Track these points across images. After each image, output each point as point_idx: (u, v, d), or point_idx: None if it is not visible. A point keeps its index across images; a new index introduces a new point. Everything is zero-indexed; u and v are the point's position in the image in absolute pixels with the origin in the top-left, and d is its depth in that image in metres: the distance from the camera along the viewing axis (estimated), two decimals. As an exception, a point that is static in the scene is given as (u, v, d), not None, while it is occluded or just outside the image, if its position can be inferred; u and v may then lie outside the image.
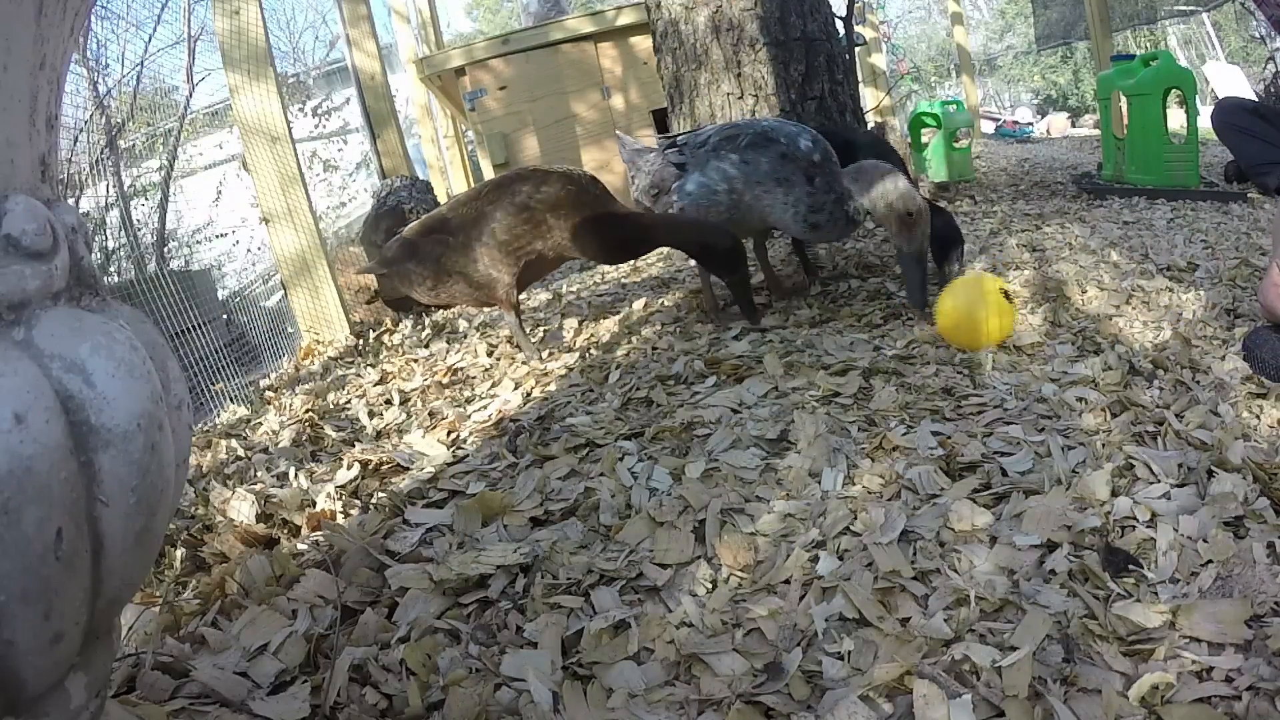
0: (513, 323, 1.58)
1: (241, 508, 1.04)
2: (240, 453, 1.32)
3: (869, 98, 6.71)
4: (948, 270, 1.58)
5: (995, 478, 0.89)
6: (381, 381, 1.64)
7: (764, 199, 1.52)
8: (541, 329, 1.83)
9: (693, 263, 2.34)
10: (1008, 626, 0.66)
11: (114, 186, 3.10)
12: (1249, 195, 2.51)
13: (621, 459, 1.03)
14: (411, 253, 1.57)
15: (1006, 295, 1.28)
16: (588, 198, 1.51)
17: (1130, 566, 0.72)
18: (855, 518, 0.84)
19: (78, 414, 0.37)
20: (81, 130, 2.68)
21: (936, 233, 1.52)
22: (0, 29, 0.39)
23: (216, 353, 1.89)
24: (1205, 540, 0.74)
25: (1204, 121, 3.07)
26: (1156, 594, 0.69)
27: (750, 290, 1.55)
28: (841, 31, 2.78)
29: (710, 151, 1.57)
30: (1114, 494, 0.83)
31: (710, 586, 0.77)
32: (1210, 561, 0.71)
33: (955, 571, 0.74)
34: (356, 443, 1.29)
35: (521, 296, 2.34)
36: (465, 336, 1.91)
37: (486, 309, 1.97)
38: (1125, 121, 2.95)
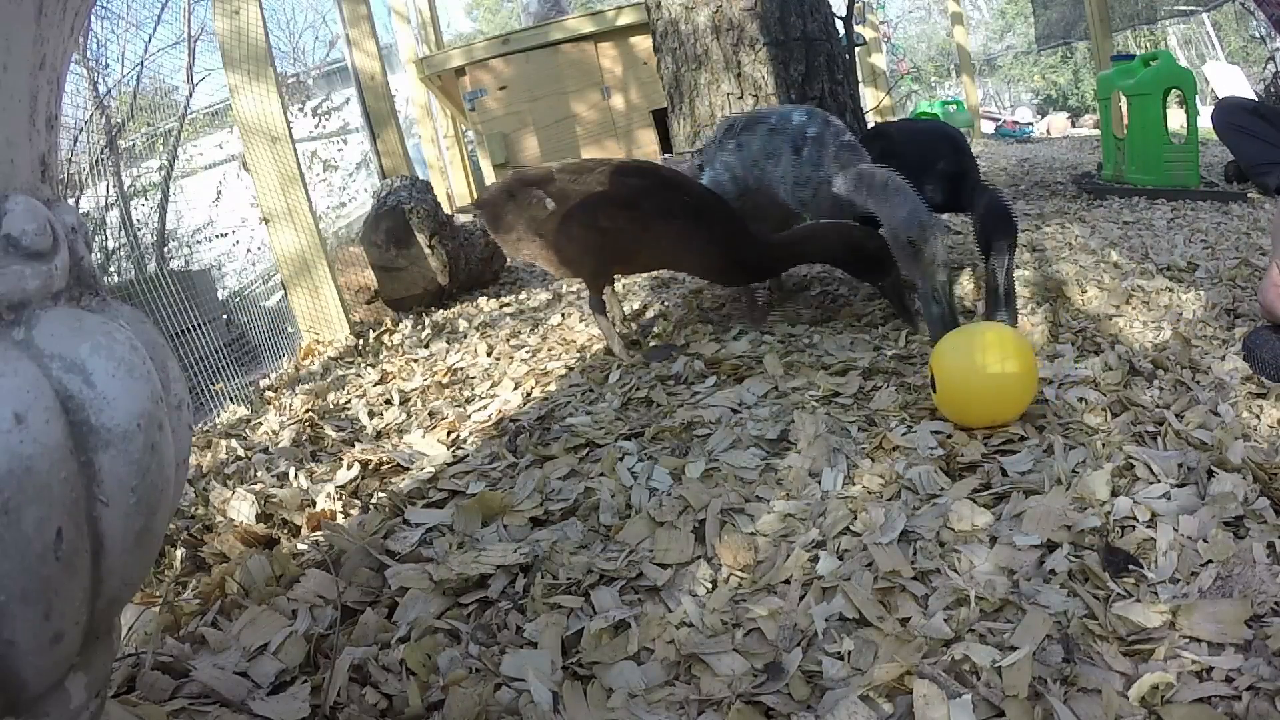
0: (594, 303, 1.50)
1: (241, 508, 1.04)
2: (240, 453, 1.32)
3: (869, 98, 6.72)
4: (994, 264, 1.34)
5: (995, 478, 0.89)
6: (381, 381, 1.64)
7: (763, 177, 1.52)
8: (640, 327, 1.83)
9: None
10: (1008, 626, 0.66)
11: (114, 186, 3.10)
12: (1249, 195, 2.51)
13: (621, 459, 1.03)
14: (509, 199, 1.51)
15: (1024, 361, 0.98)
16: (704, 211, 1.44)
17: (1130, 566, 0.72)
18: (855, 518, 0.84)
19: (78, 414, 0.37)
20: (81, 130, 2.68)
21: (981, 216, 1.38)
22: (0, 29, 0.39)
23: (216, 353, 1.89)
24: (1205, 540, 0.74)
25: (1204, 121, 3.07)
26: (1156, 594, 0.69)
27: (904, 293, 1.44)
28: (841, 31, 2.78)
29: (716, 145, 1.59)
30: (1114, 494, 0.83)
31: (710, 586, 0.77)
32: (1210, 561, 0.71)
33: (955, 571, 0.74)
34: (356, 443, 1.29)
35: (522, 296, 2.34)
36: (465, 336, 1.91)
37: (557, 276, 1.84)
38: (1125, 121, 2.95)
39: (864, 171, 1.37)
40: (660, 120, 3.82)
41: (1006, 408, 1.00)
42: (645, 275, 2.29)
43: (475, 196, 5.92)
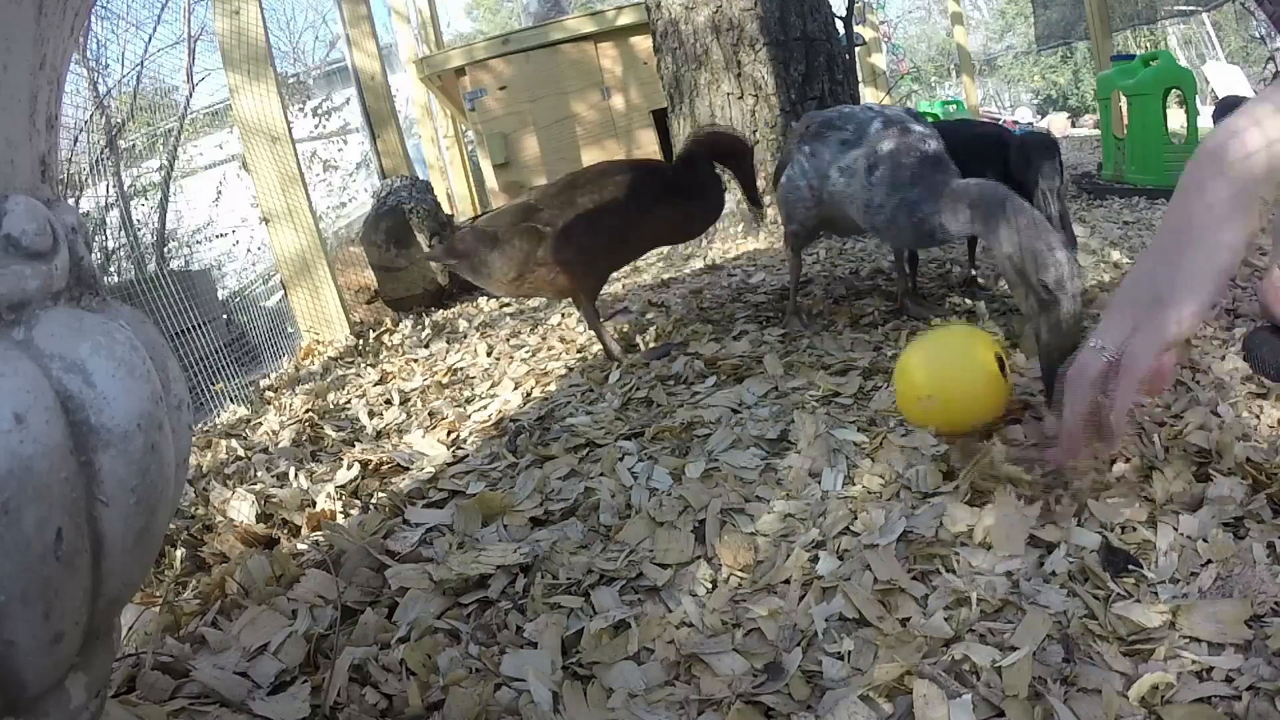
0: (590, 311, 1.53)
1: (241, 508, 1.04)
2: (240, 453, 1.32)
3: (869, 98, 6.72)
4: (1043, 188, 1.22)
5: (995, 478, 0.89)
6: (381, 381, 1.64)
7: (836, 194, 1.34)
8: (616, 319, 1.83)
9: (698, 265, 2.34)
10: (1008, 626, 0.66)
11: (114, 186, 3.10)
12: (1249, 195, 2.51)
13: (621, 459, 1.03)
14: (493, 243, 1.52)
15: (1001, 363, 0.94)
16: (674, 184, 1.54)
17: (1130, 566, 0.72)
18: (855, 518, 0.84)
19: (78, 414, 0.37)
20: (81, 130, 2.68)
21: (1018, 147, 1.27)
22: (0, 29, 0.39)
23: (216, 353, 1.89)
24: (1205, 540, 0.74)
25: (1204, 121, 3.08)
26: (1156, 594, 0.69)
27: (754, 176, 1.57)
28: (841, 31, 2.78)
29: (796, 142, 1.43)
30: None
31: (710, 586, 0.77)
32: (1210, 561, 0.71)
33: (955, 572, 0.74)
34: (356, 443, 1.29)
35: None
36: (465, 336, 1.91)
37: (560, 299, 1.87)
38: (1125, 121, 2.95)
39: (957, 191, 1.14)
40: (660, 120, 3.82)
41: (970, 413, 0.96)
42: (645, 278, 2.29)
43: (475, 198, 5.93)
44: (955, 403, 0.95)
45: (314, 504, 1.04)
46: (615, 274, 2.37)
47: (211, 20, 2.08)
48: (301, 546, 0.93)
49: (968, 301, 1.55)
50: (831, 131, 1.32)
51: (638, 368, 1.39)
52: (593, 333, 1.57)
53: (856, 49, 3.63)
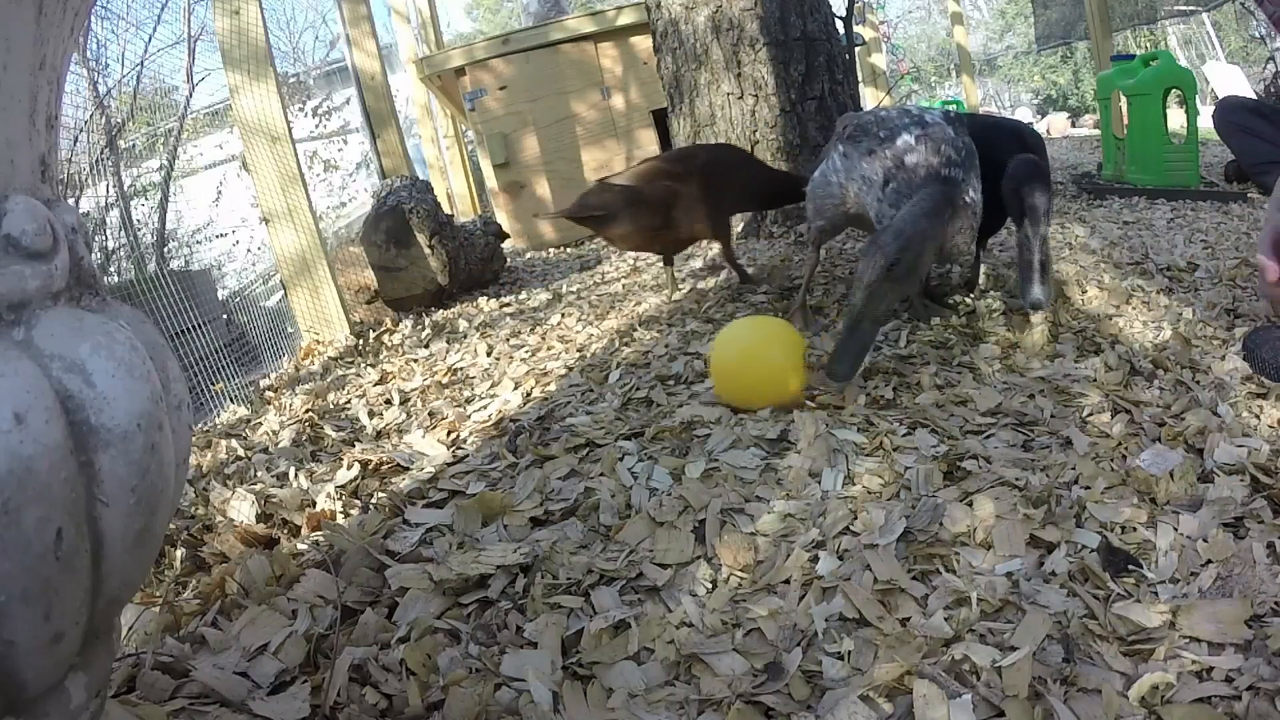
0: (729, 254, 1.88)
1: (241, 508, 1.04)
2: (240, 453, 1.32)
3: (869, 98, 6.72)
4: (1026, 231, 1.19)
5: (995, 478, 0.89)
6: (381, 381, 1.64)
7: (858, 198, 1.34)
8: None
9: (697, 264, 2.35)
10: (1008, 626, 0.66)
11: (114, 186, 3.10)
12: (1249, 195, 2.51)
13: (621, 459, 1.03)
14: (634, 199, 1.74)
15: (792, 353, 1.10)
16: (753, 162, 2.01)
17: (1130, 566, 0.72)
18: (855, 518, 0.84)
19: (78, 414, 0.37)
20: (81, 130, 2.68)
21: (1009, 176, 1.22)
22: (0, 29, 0.39)
23: (216, 353, 1.89)
24: (1205, 540, 0.74)
25: (1204, 121, 3.07)
26: (1156, 594, 0.69)
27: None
28: (841, 31, 2.78)
29: (834, 140, 1.43)
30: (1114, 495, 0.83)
31: (710, 586, 0.77)
32: (1210, 561, 0.71)
33: (955, 572, 0.74)
34: (356, 443, 1.29)
35: (522, 296, 2.34)
36: (465, 336, 1.91)
37: (665, 253, 2.03)
38: (1125, 121, 2.95)
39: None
40: (660, 120, 3.82)
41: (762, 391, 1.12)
42: (645, 278, 2.29)
43: (475, 198, 5.93)
44: (743, 383, 1.13)
45: (314, 504, 1.04)
46: (615, 274, 2.37)
47: (211, 20, 2.08)
48: (301, 546, 0.93)
49: (968, 302, 1.55)
50: (865, 137, 1.32)
51: (638, 368, 1.39)
52: (731, 267, 1.93)
53: (856, 49, 3.63)
